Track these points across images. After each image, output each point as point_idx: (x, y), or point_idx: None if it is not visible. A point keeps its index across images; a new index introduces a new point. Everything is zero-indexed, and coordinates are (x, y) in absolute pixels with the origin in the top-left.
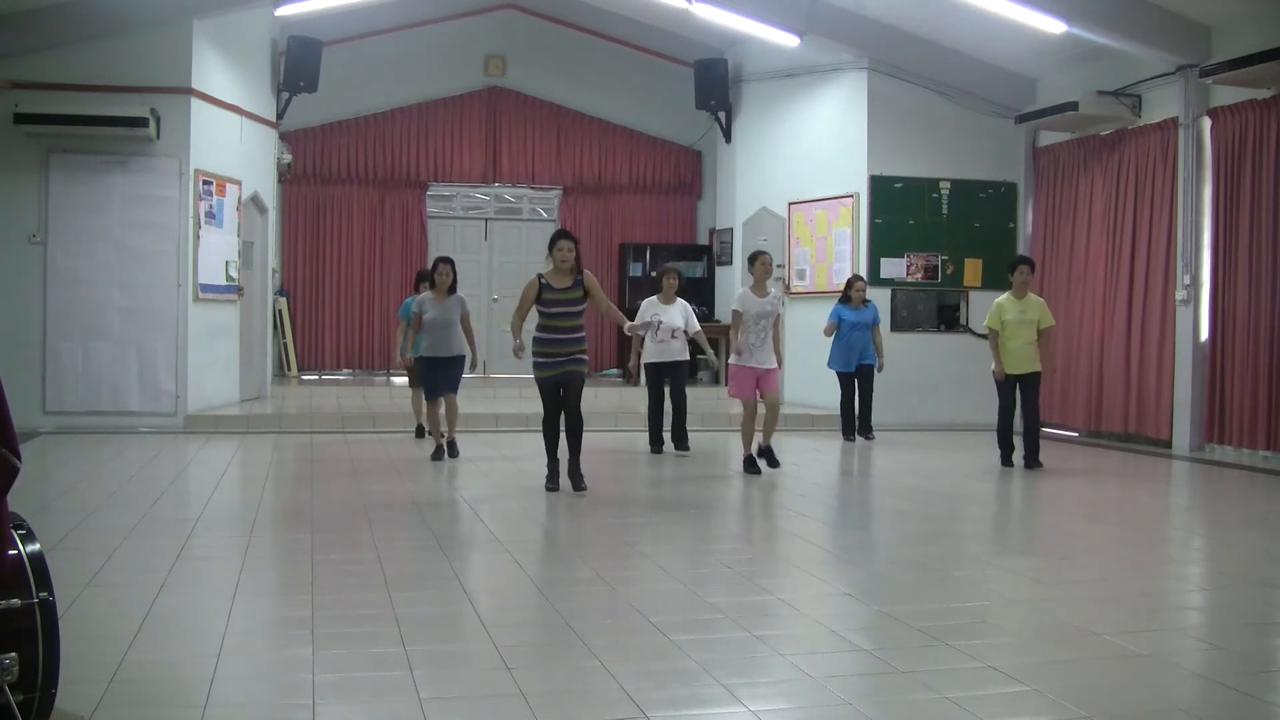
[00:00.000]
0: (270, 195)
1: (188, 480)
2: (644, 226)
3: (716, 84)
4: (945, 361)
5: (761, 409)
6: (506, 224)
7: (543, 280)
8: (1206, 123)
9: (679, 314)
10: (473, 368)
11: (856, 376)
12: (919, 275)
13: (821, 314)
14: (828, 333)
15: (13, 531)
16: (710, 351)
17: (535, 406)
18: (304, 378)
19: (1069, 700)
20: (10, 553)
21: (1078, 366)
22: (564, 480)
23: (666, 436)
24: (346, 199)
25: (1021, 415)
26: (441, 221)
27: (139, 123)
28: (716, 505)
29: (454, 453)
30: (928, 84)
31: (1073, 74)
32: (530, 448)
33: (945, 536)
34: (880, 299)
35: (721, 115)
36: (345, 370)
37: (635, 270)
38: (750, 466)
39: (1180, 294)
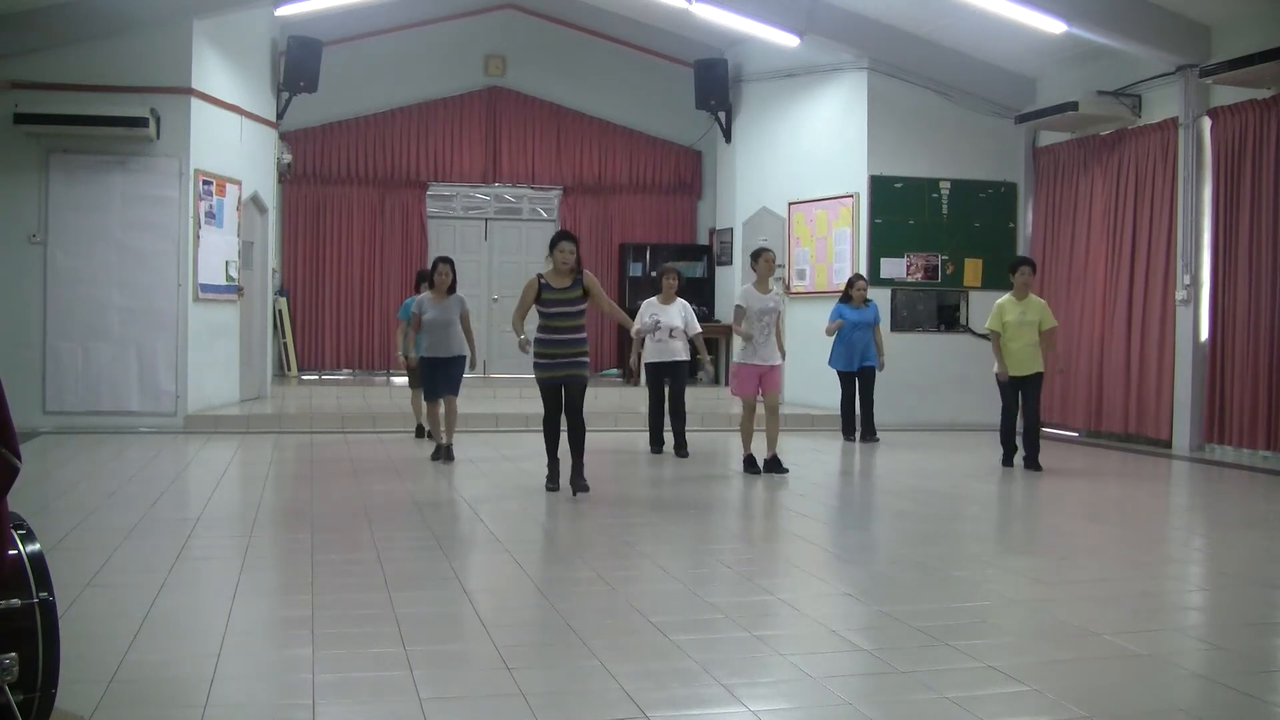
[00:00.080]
0: (270, 195)
1: (188, 480)
2: (644, 226)
3: (716, 84)
4: (945, 361)
5: (761, 410)
6: (506, 224)
7: (542, 280)
8: (1206, 123)
9: (678, 314)
10: (472, 368)
11: (858, 378)
12: (919, 275)
13: (821, 314)
14: (830, 332)
15: (13, 531)
16: (707, 357)
17: (535, 406)
18: (304, 378)
19: (1069, 700)
20: (10, 553)
21: (1078, 367)
22: (564, 480)
23: (667, 436)
24: (346, 199)
25: (1022, 416)
26: (441, 221)
27: (139, 123)
28: (716, 505)
29: (449, 457)
30: (928, 84)
31: (1073, 74)
32: (530, 448)
33: (945, 536)
34: (880, 299)
35: (721, 115)
36: (345, 370)
37: (635, 270)
38: (750, 466)
39: (1180, 294)
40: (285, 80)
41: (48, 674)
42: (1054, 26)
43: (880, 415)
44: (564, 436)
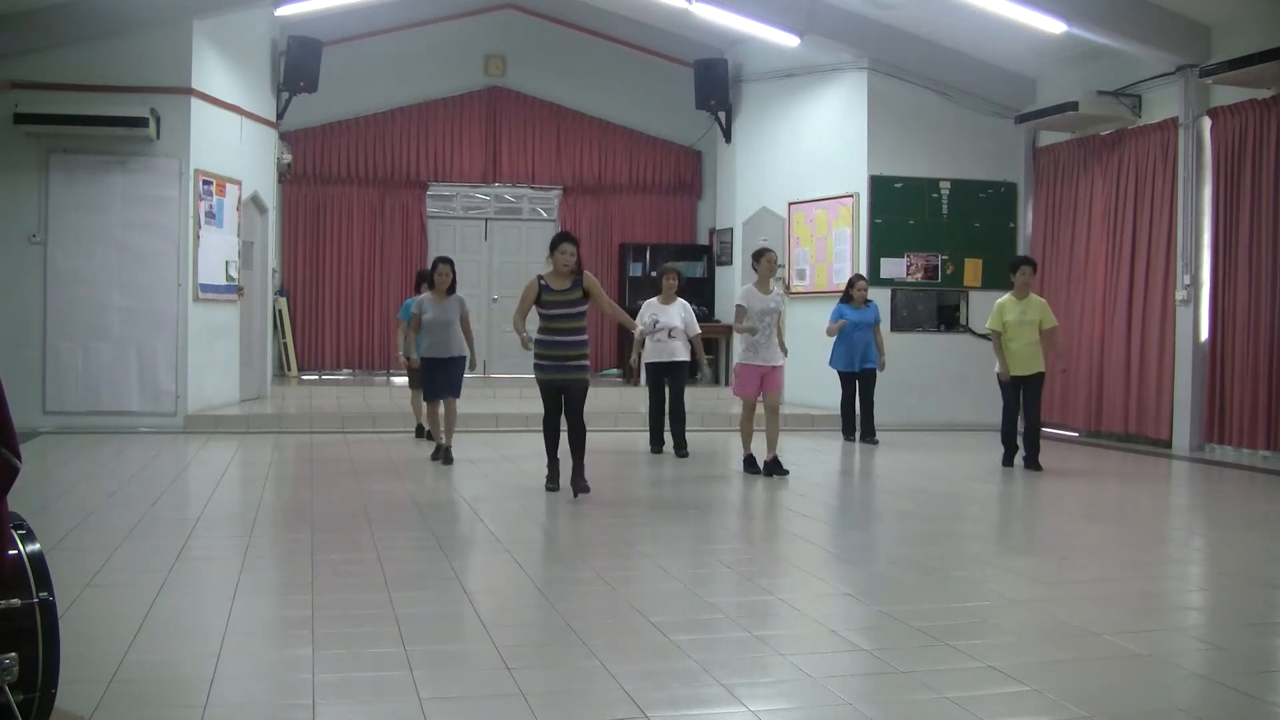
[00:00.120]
0: (270, 195)
1: (188, 480)
2: (644, 226)
3: (716, 84)
4: (945, 361)
5: (761, 409)
6: (506, 224)
7: (542, 282)
8: (1206, 123)
9: (678, 314)
10: (472, 369)
11: (859, 379)
12: (919, 275)
13: (821, 314)
14: (832, 333)
15: (13, 531)
16: (704, 360)
17: (535, 406)
18: (304, 378)
19: (1069, 700)
20: (10, 553)
21: (1078, 366)
22: (565, 481)
23: (667, 436)
24: (346, 199)
25: (1023, 416)
26: (441, 221)
27: (139, 123)
28: (716, 505)
29: (448, 459)
30: (928, 84)
31: (1073, 74)
32: (530, 448)
33: (945, 536)
34: (880, 299)
35: (721, 115)
36: (345, 370)
37: (635, 270)
38: (750, 466)
39: (1180, 294)
40: (285, 80)
41: (48, 674)
42: (1054, 26)
43: (880, 415)
44: (564, 437)
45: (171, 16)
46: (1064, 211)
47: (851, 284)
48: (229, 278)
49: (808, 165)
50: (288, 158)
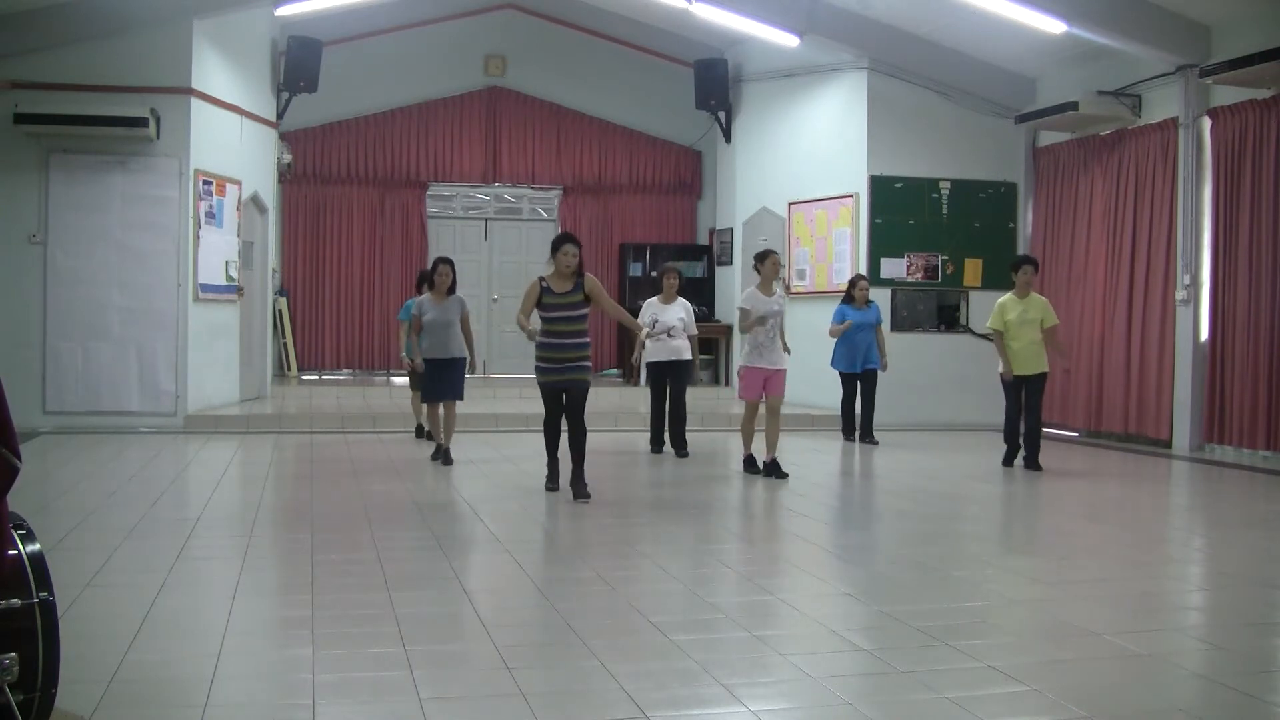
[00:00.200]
0: (270, 195)
1: (188, 480)
2: (644, 226)
3: (716, 84)
4: (945, 361)
5: (761, 410)
6: (506, 224)
7: (544, 283)
8: (1206, 123)
9: (678, 314)
10: (472, 370)
11: (860, 379)
12: (919, 275)
13: (822, 314)
14: (836, 334)
15: (13, 531)
16: (699, 359)
17: (535, 406)
18: (304, 378)
19: (1069, 700)
20: (10, 553)
21: (1078, 366)
22: (565, 481)
23: (667, 436)
24: (346, 199)
25: (1024, 416)
26: (441, 221)
27: (139, 123)
28: (716, 505)
29: (448, 460)
30: (928, 84)
31: (1073, 74)
32: (530, 448)
33: (945, 536)
34: (880, 299)
35: (721, 115)
36: (345, 370)
37: (635, 270)
38: (750, 466)
39: (1180, 294)
40: (285, 80)
41: (48, 674)
42: (1054, 26)
43: (880, 415)
44: (564, 437)
45: (171, 16)
46: (1064, 211)
47: (853, 284)
48: (229, 278)
49: (808, 165)
50: (288, 158)
